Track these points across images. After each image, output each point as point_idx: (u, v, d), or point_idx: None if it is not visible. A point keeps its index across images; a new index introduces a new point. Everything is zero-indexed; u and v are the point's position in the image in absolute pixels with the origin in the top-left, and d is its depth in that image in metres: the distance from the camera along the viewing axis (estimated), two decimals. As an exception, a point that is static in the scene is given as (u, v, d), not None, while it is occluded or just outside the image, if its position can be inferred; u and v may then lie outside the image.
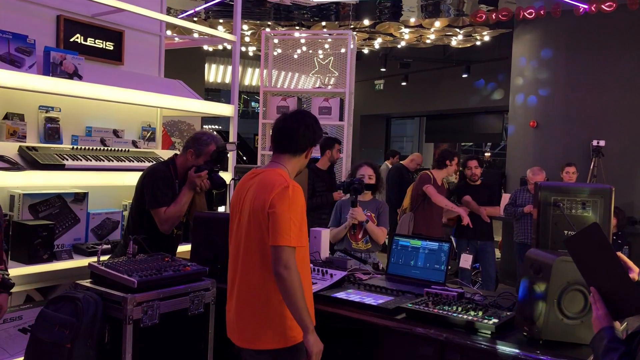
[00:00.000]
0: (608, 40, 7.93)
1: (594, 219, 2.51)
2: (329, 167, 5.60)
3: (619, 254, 1.83)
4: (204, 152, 3.22)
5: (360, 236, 4.00)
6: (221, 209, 4.34)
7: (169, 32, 7.68)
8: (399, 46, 11.81)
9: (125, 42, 4.30)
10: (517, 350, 2.24)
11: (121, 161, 3.79)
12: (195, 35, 7.05)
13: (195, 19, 9.22)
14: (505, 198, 6.88)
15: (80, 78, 3.54)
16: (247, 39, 11.03)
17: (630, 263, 1.91)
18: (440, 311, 2.48)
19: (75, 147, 3.70)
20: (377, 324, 2.56)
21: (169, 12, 8.09)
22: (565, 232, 2.48)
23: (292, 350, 2.30)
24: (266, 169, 2.48)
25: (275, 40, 7.15)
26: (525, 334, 2.30)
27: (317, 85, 7.17)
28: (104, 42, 4.17)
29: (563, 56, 8.37)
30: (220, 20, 9.87)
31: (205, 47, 12.56)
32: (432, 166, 6.60)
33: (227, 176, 4.03)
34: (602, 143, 7.54)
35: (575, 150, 7.93)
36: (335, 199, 5.05)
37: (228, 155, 3.67)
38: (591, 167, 7.04)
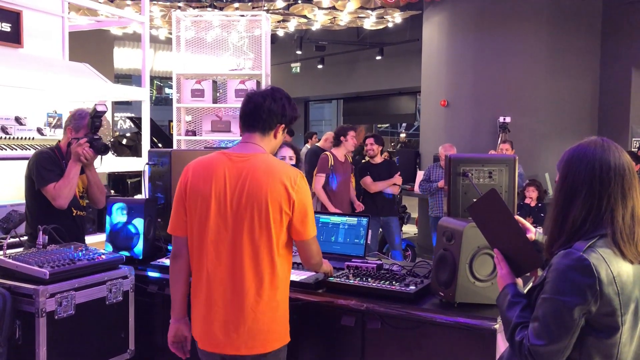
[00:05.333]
0: (513, 20, 8.31)
1: (500, 187, 2.66)
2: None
3: (517, 217, 1.97)
4: (82, 125, 3.18)
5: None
6: (138, 196, 4.21)
7: (74, 15, 7.28)
8: (313, 28, 11.84)
9: (24, 23, 4.05)
10: (434, 315, 2.35)
11: (26, 149, 3.62)
12: (102, 17, 6.73)
13: (101, 1, 8.77)
14: (420, 175, 7.12)
15: (-27, 61, 3.30)
16: (157, 22, 10.64)
17: (527, 224, 2.05)
18: (360, 282, 2.55)
19: (-28, 136, 3.47)
20: (300, 299, 2.59)
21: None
22: (475, 200, 2.60)
23: (286, 347, 2.29)
24: (250, 153, 2.21)
25: (188, 23, 6.95)
26: (441, 299, 2.41)
27: (232, 68, 7.05)
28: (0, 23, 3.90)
29: (470, 36, 8.69)
30: (128, 2, 9.47)
31: (114, 31, 12.01)
32: (331, 145, 6.75)
33: (140, 161, 3.91)
34: (507, 119, 7.93)
35: (483, 126, 8.30)
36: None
37: (105, 117, 3.48)
38: (499, 142, 7.40)
